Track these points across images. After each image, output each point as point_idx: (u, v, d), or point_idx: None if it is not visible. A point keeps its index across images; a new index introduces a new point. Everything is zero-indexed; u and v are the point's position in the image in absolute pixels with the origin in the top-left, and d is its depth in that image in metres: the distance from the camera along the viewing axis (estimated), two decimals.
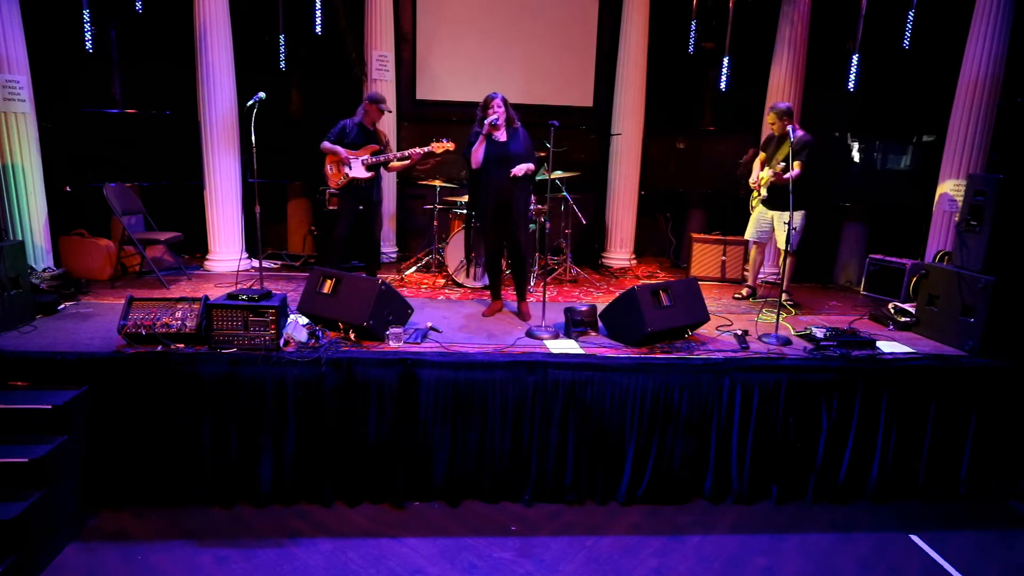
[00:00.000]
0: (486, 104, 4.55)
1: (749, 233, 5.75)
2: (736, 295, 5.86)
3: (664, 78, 7.39)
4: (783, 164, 5.08)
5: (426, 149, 5.17)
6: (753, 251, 5.87)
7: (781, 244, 5.37)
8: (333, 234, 5.46)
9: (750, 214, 5.71)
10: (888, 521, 3.94)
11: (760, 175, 5.50)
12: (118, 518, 3.62)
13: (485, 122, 4.50)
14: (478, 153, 4.55)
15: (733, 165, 7.16)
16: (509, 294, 5.15)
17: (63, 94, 6.06)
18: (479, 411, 3.83)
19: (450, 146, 5.14)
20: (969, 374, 4.13)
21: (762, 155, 5.62)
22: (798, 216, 5.33)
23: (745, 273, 6.47)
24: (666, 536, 3.68)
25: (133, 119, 6.42)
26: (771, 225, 5.55)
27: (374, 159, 5.19)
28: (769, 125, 5.40)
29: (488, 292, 5.22)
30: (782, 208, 5.26)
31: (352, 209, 5.30)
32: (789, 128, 4.92)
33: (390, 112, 5.16)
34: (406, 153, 5.25)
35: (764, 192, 5.46)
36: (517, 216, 4.65)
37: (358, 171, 5.16)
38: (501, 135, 4.58)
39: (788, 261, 5.40)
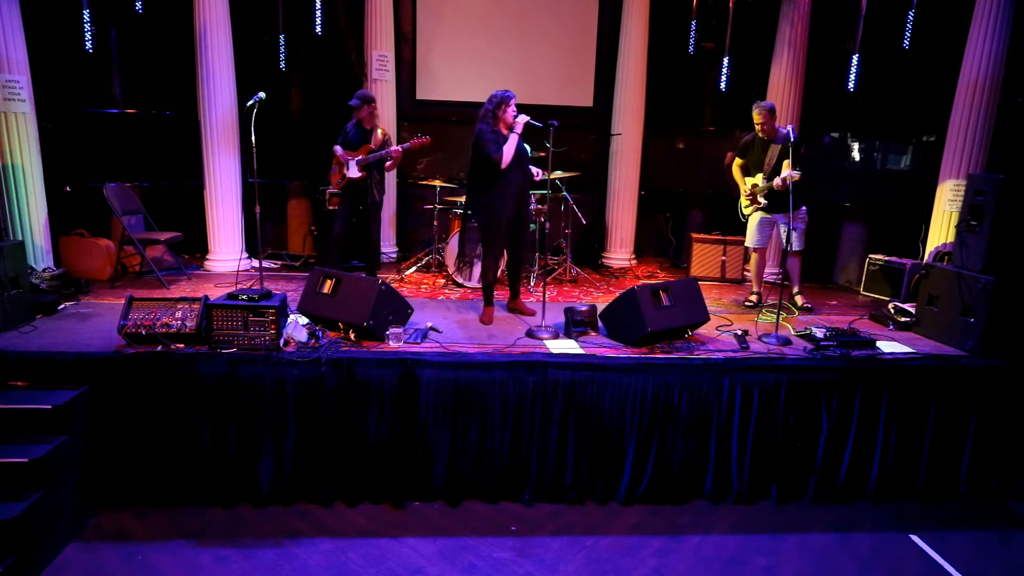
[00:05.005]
0: (503, 101, 4.45)
1: (750, 240, 5.50)
2: (747, 302, 5.56)
3: (664, 78, 7.39)
4: (787, 175, 4.86)
5: (405, 146, 5.23)
6: (755, 257, 5.62)
7: (795, 246, 5.22)
8: (330, 234, 5.50)
9: (743, 221, 5.56)
10: (888, 521, 3.94)
11: (757, 186, 5.28)
12: (118, 518, 3.62)
13: (519, 121, 4.41)
14: (509, 152, 4.42)
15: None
16: (502, 294, 5.14)
17: (63, 94, 6.06)
18: (479, 411, 3.83)
19: (425, 141, 5.21)
20: (969, 374, 4.12)
21: (739, 160, 5.46)
22: (802, 214, 5.26)
23: (746, 274, 6.44)
24: (666, 536, 3.68)
25: (133, 119, 6.42)
26: (773, 228, 5.44)
27: (367, 159, 5.25)
28: (757, 125, 5.17)
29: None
30: (785, 210, 5.01)
31: (348, 209, 5.34)
32: (789, 128, 4.83)
33: (353, 106, 5.24)
34: (389, 151, 5.27)
35: (763, 201, 5.29)
36: (526, 219, 4.80)
37: (353, 172, 5.24)
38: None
39: (797, 261, 5.37)
